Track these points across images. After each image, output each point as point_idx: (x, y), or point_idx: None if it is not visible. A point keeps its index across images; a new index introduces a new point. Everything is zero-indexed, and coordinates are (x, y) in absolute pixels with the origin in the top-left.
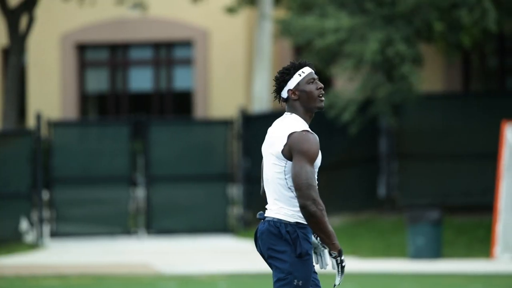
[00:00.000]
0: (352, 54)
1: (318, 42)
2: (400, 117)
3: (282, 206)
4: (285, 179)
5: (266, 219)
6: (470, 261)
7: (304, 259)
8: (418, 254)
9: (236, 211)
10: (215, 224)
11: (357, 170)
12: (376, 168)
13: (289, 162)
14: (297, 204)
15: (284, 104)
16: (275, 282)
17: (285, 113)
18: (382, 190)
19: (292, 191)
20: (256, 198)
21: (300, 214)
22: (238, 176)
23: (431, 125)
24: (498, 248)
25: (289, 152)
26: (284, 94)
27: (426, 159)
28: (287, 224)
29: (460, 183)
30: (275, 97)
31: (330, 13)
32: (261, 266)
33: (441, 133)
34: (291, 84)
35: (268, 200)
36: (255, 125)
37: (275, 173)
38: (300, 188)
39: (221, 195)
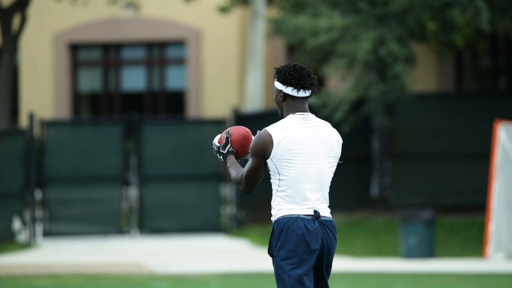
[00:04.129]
0: (345, 54)
1: (310, 41)
2: (392, 116)
3: (327, 205)
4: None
5: (325, 218)
6: (463, 260)
7: None
8: (410, 254)
9: (228, 210)
10: (207, 224)
11: (350, 170)
12: (369, 168)
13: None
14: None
15: (303, 100)
16: (327, 280)
17: (307, 113)
18: (375, 190)
19: None
20: (249, 197)
21: None
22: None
23: (423, 125)
24: (491, 247)
25: None
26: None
27: (419, 159)
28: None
29: (452, 182)
30: (315, 92)
31: (323, 12)
32: (253, 265)
33: (434, 133)
34: None
35: (315, 201)
36: (248, 125)
37: (330, 175)
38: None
39: (214, 194)
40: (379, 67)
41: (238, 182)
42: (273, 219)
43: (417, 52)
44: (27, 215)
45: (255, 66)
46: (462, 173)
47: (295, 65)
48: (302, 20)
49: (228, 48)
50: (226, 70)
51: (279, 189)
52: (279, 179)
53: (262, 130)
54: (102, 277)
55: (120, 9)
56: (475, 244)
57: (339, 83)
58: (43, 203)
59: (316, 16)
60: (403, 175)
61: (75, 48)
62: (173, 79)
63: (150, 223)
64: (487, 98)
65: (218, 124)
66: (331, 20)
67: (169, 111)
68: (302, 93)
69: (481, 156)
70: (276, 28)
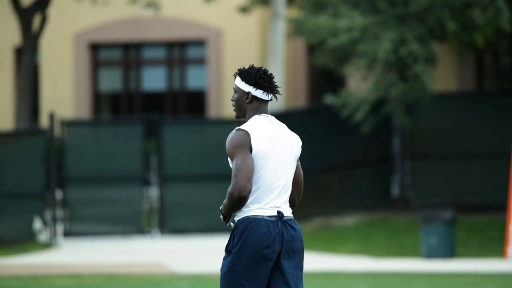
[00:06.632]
0: (365, 54)
1: (331, 41)
2: (413, 116)
3: (288, 205)
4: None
5: (288, 217)
6: (484, 260)
7: None
8: (431, 254)
9: None
10: None
11: (371, 170)
12: (390, 168)
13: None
14: None
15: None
16: (301, 279)
17: (269, 115)
18: (395, 190)
19: None
20: None
21: None
22: None
23: (444, 125)
24: (511, 247)
25: None
26: None
27: (440, 159)
28: None
29: (473, 182)
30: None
31: (343, 12)
32: None
33: (454, 133)
34: None
35: (279, 202)
36: None
37: (292, 176)
38: (302, 190)
39: None
40: (400, 67)
41: (230, 194)
42: (237, 218)
43: (438, 52)
44: (48, 215)
45: (276, 66)
46: (483, 172)
47: (261, 68)
48: (322, 20)
49: (249, 48)
50: None
51: None
52: None
53: (236, 129)
54: (123, 277)
55: (140, 9)
56: (496, 244)
57: (360, 83)
58: (64, 203)
59: (337, 16)
60: (424, 175)
61: (95, 48)
62: (194, 79)
63: (171, 223)
64: (507, 97)
65: (239, 124)
66: (352, 20)
67: (189, 111)
68: (270, 97)
69: (502, 156)
70: (297, 28)
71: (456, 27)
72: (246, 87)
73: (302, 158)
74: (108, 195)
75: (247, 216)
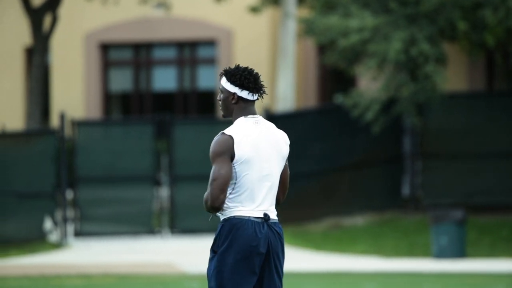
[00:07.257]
0: (376, 54)
1: (341, 41)
2: (423, 116)
3: (274, 207)
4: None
5: (273, 221)
6: (494, 260)
7: None
8: (442, 254)
9: None
10: None
11: (381, 170)
12: (400, 168)
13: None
14: None
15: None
16: (281, 280)
17: (257, 115)
18: (406, 190)
19: None
20: None
21: None
22: None
23: (454, 125)
24: None
25: None
26: None
27: (450, 159)
28: None
29: (484, 182)
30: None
31: (353, 12)
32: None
33: (465, 133)
34: None
35: (265, 205)
36: (279, 125)
37: (279, 177)
38: (287, 188)
39: None
40: (410, 67)
41: (204, 201)
42: (222, 217)
43: (448, 52)
44: (58, 215)
45: (286, 66)
46: (494, 172)
47: (247, 68)
48: (333, 20)
49: (259, 48)
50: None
51: (233, 192)
52: (235, 183)
53: (220, 133)
54: (133, 277)
55: (151, 9)
56: (506, 244)
57: (370, 83)
58: (74, 203)
59: (347, 16)
60: (434, 175)
61: (106, 48)
62: (204, 79)
63: (181, 223)
64: None
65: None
66: (362, 20)
67: (200, 111)
68: (255, 97)
69: None
70: (307, 28)
71: (467, 27)
72: (231, 88)
73: (313, 158)
74: (118, 195)
75: (233, 216)
